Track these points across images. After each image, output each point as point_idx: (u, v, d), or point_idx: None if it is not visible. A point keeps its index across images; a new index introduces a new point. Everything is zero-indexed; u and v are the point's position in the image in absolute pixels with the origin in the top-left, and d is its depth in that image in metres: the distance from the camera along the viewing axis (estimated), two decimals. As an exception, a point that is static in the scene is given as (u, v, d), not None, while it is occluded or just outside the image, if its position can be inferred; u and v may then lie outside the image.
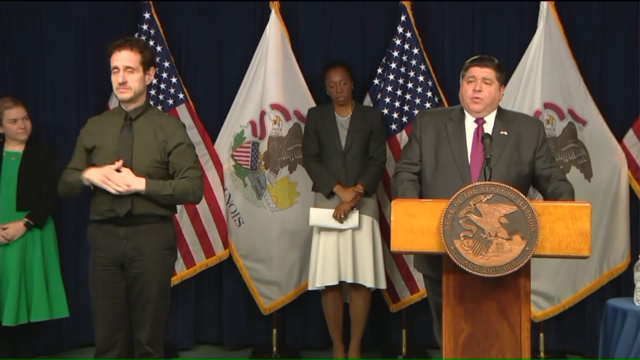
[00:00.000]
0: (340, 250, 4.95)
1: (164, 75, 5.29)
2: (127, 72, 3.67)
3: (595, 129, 5.12)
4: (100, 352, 3.72)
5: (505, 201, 3.15)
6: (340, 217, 4.91)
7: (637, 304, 3.82)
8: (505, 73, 3.82)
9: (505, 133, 3.69)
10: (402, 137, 5.23)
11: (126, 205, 3.62)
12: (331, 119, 5.07)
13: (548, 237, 3.16)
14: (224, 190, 5.32)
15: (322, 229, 4.98)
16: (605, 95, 5.26)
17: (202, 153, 5.18)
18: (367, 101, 5.32)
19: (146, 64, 3.73)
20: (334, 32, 5.50)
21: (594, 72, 5.27)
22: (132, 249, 3.65)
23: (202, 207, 5.24)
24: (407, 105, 5.24)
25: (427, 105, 5.17)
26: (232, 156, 5.33)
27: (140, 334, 3.71)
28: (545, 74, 5.02)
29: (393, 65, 5.23)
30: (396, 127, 5.25)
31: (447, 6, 5.41)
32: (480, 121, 3.72)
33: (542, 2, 5.07)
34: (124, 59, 3.68)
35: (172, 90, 5.30)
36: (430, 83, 5.21)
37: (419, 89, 5.21)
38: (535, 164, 3.71)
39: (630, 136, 5.17)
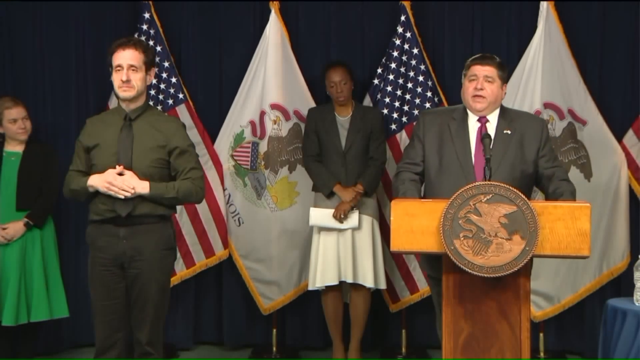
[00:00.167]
0: (340, 250, 4.95)
1: (164, 75, 5.29)
2: (130, 70, 3.68)
3: (595, 129, 5.11)
4: (100, 352, 3.72)
5: (505, 201, 3.15)
6: (340, 217, 4.91)
7: (636, 304, 3.82)
8: (507, 71, 3.82)
9: (509, 132, 3.68)
10: (402, 137, 5.23)
11: (128, 206, 3.62)
12: (331, 119, 5.07)
13: (548, 237, 3.16)
14: (224, 190, 5.32)
15: (322, 229, 4.98)
16: (605, 95, 5.26)
17: (202, 153, 5.18)
18: (367, 101, 5.32)
19: (148, 64, 3.75)
20: (334, 32, 5.49)
21: (593, 72, 5.27)
22: (132, 249, 3.65)
23: (202, 207, 5.23)
24: (407, 105, 5.24)
25: (427, 105, 5.17)
26: (232, 156, 5.33)
27: (140, 334, 3.71)
28: (545, 74, 5.02)
29: (393, 65, 5.23)
30: (396, 127, 5.25)
31: (447, 6, 5.42)
32: (483, 120, 3.72)
33: (542, 2, 5.07)
34: (128, 57, 3.68)
35: (171, 90, 5.30)
36: (430, 83, 5.21)
37: (419, 89, 5.21)
38: (538, 163, 3.70)
39: (630, 136, 5.17)
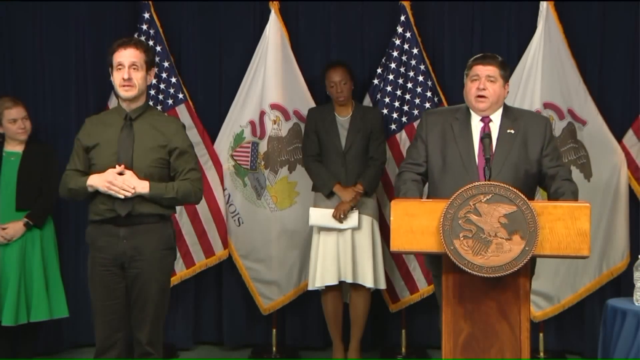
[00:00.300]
0: (339, 250, 4.95)
1: (164, 75, 5.29)
2: (131, 69, 3.67)
3: (595, 129, 5.11)
4: (100, 352, 3.71)
5: (504, 201, 3.15)
6: (339, 217, 4.91)
7: (636, 304, 3.82)
8: (509, 69, 3.80)
9: (512, 131, 3.67)
10: (402, 137, 5.23)
11: (128, 206, 3.62)
12: (331, 119, 5.07)
13: (547, 237, 3.15)
14: (224, 190, 5.32)
15: (321, 228, 4.98)
16: (604, 95, 5.26)
17: (202, 153, 5.18)
18: (367, 101, 5.32)
19: (149, 64, 3.75)
20: (334, 32, 5.49)
21: (593, 72, 5.27)
22: (132, 249, 3.65)
23: (202, 207, 5.24)
24: (407, 105, 5.24)
25: (427, 105, 5.17)
26: (232, 156, 5.33)
27: (140, 334, 3.70)
28: (544, 74, 5.02)
29: (393, 65, 5.23)
30: (396, 127, 5.25)
31: (446, 6, 5.42)
32: (486, 120, 3.70)
33: (541, 2, 5.07)
34: (129, 55, 3.68)
35: (171, 90, 5.30)
36: (429, 83, 5.21)
37: (419, 89, 5.21)
38: (541, 162, 3.68)
39: (629, 136, 5.17)
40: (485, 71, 3.66)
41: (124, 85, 3.68)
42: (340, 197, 4.95)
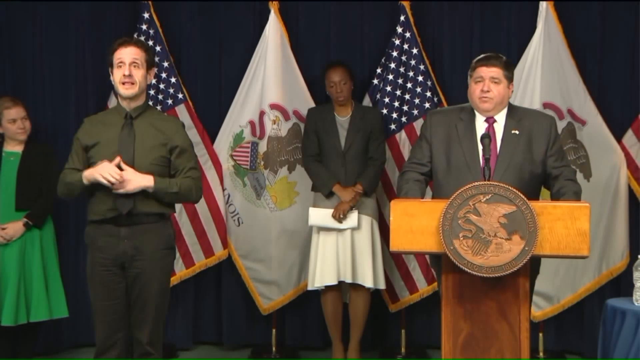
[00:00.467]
0: (339, 250, 4.95)
1: (163, 75, 5.29)
2: (132, 66, 3.67)
3: (595, 129, 5.11)
4: (100, 352, 3.71)
5: (504, 201, 3.15)
6: (339, 217, 4.91)
7: (636, 304, 3.82)
8: (513, 69, 3.77)
9: (517, 132, 3.65)
10: (402, 137, 5.23)
11: (129, 203, 3.61)
12: (331, 119, 5.07)
13: (547, 237, 3.15)
14: (223, 190, 5.32)
15: (321, 228, 4.98)
16: (604, 95, 5.26)
17: (202, 153, 5.18)
18: (367, 101, 5.32)
19: (149, 63, 3.75)
20: (334, 32, 5.49)
21: (593, 72, 5.27)
22: (133, 249, 3.65)
23: (202, 207, 5.24)
24: (407, 105, 5.24)
25: (427, 105, 5.17)
26: (232, 156, 5.33)
27: (140, 333, 3.70)
28: (544, 74, 5.02)
29: (392, 65, 5.23)
30: (395, 127, 5.25)
31: (446, 6, 5.42)
32: (490, 120, 3.69)
33: (541, 2, 5.07)
34: (130, 53, 3.68)
35: (171, 90, 5.30)
36: (429, 83, 5.21)
37: (418, 89, 5.21)
38: (546, 162, 3.66)
39: (629, 136, 5.17)
40: (489, 73, 3.64)
41: (124, 83, 3.67)
42: (340, 197, 4.95)
